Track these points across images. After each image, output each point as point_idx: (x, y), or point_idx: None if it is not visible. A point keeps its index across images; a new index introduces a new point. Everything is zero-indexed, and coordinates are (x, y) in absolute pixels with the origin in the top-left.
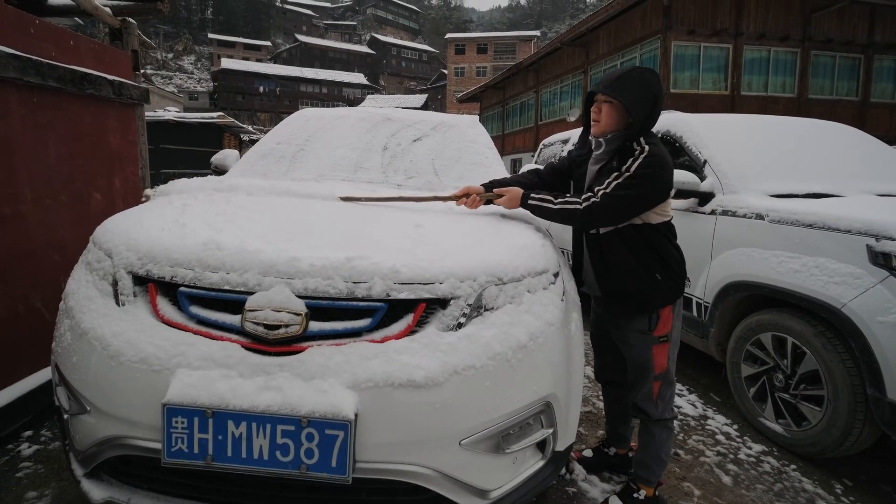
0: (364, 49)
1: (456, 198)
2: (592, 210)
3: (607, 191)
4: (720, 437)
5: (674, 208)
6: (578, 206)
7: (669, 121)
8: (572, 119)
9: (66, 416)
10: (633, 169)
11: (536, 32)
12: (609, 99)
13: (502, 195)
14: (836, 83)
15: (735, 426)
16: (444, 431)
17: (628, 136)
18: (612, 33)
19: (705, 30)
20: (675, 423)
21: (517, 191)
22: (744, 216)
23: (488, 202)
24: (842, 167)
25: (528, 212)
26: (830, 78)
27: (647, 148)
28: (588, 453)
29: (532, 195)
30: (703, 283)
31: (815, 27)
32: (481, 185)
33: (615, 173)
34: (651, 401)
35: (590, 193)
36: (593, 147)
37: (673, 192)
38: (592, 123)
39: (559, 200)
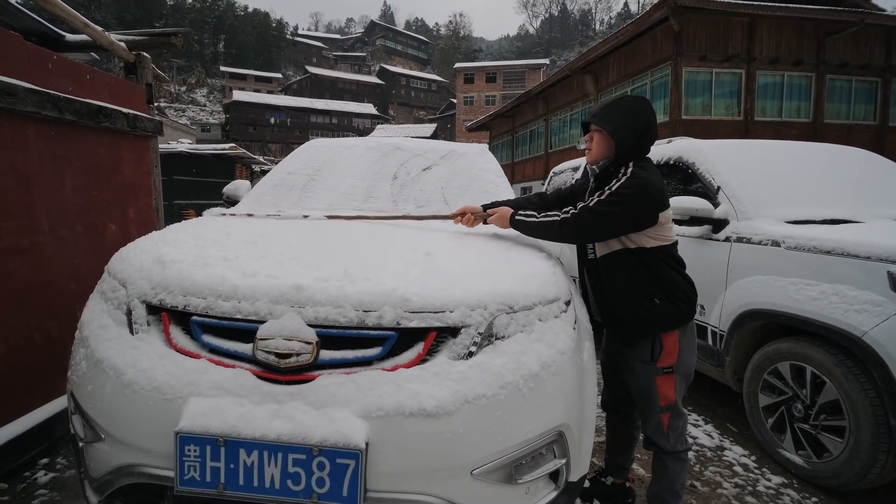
0: (373, 80)
1: (454, 216)
2: (569, 221)
3: (588, 205)
4: (738, 469)
5: (687, 235)
6: (556, 219)
7: (681, 147)
8: (582, 147)
9: (81, 444)
10: (614, 188)
11: (546, 61)
12: (598, 128)
13: (493, 214)
14: (852, 107)
15: (753, 457)
16: (456, 461)
17: (616, 161)
18: (623, 60)
19: (717, 55)
20: (691, 454)
21: (507, 210)
22: (759, 243)
23: (484, 222)
24: (859, 192)
25: (538, 240)
26: (847, 102)
27: (630, 170)
28: (585, 483)
29: (519, 212)
30: (717, 312)
31: (829, 51)
32: (482, 205)
33: (597, 192)
34: (662, 433)
35: (570, 208)
36: (590, 175)
37: (669, 217)
38: (586, 152)
39: (542, 215)
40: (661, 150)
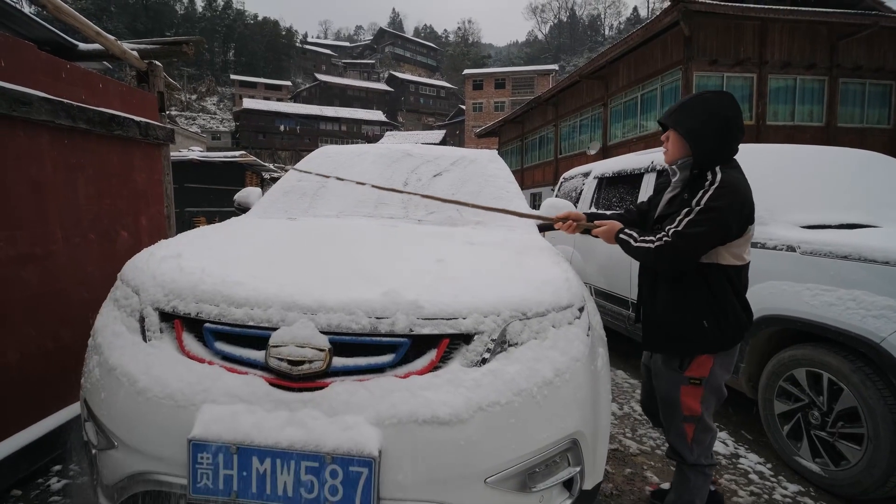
0: (382, 87)
1: (555, 220)
2: (664, 251)
3: (678, 229)
4: (753, 477)
5: None
6: (650, 246)
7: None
8: (592, 152)
9: (94, 452)
10: (703, 202)
11: (554, 66)
12: (672, 128)
13: (600, 226)
14: (866, 111)
15: (769, 465)
16: (469, 469)
17: (697, 164)
18: (633, 65)
19: (728, 59)
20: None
21: (615, 224)
22: (774, 248)
23: (585, 231)
24: (875, 196)
25: (550, 245)
26: (860, 105)
27: (718, 177)
28: (665, 485)
29: (624, 229)
30: None
31: (842, 54)
32: (583, 213)
33: (686, 208)
34: (685, 444)
35: (662, 233)
36: (671, 174)
37: (752, 233)
38: (663, 152)
39: (640, 239)
40: None
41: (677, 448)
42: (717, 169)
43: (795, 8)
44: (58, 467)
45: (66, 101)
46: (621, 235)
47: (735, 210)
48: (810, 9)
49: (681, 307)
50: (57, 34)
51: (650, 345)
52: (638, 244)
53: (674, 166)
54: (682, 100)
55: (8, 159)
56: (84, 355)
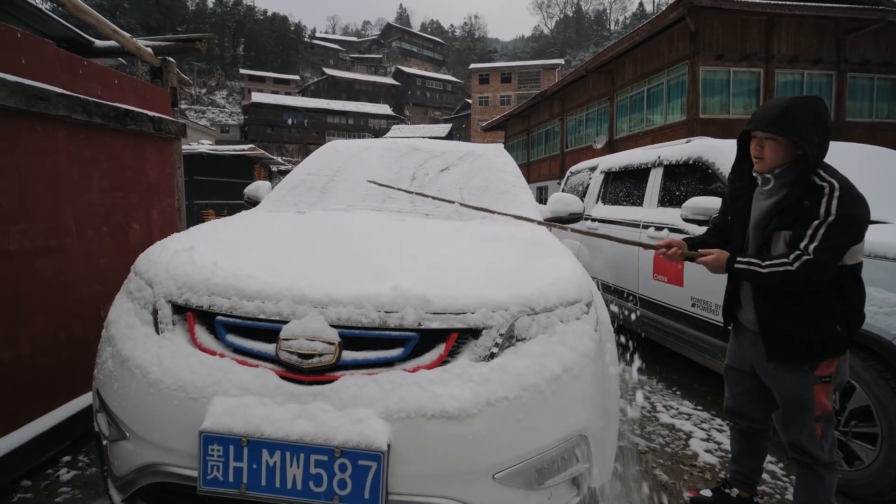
0: (389, 81)
1: (657, 247)
2: (809, 268)
3: (818, 244)
4: (765, 476)
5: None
6: (790, 268)
7: (700, 147)
8: (599, 146)
9: (105, 443)
10: (833, 211)
11: (560, 61)
12: (773, 136)
13: (706, 255)
14: (875, 105)
15: (780, 465)
16: (478, 464)
17: (804, 170)
18: (639, 60)
19: (734, 54)
20: (715, 459)
21: (723, 254)
22: None
23: (689, 259)
24: (886, 192)
25: (558, 240)
26: (869, 100)
27: (836, 184)
28: (706, 493)
29: (739, 259)
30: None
31: (850, 49)
32: (682, 239)
33: (815, 220)
34: (816, 443)
35: (798, 251)
36: (760, 183)
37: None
38: (754, 160)
39: (766, 264)
40: (679, 150)
41: (808, 449)
42: (826, 174)
43: (801, 3)
44: (67, 458)
45: (82, 96)
46: (740, 266)
47: (864, 212)
48: (816, 4)
49: (814, 318)
50: (74, 31)
51: (781, 359)
52: (770, 270)
53: (768, 174)
54: (779, 106)
55: (25, 153)
56: (96, 347)
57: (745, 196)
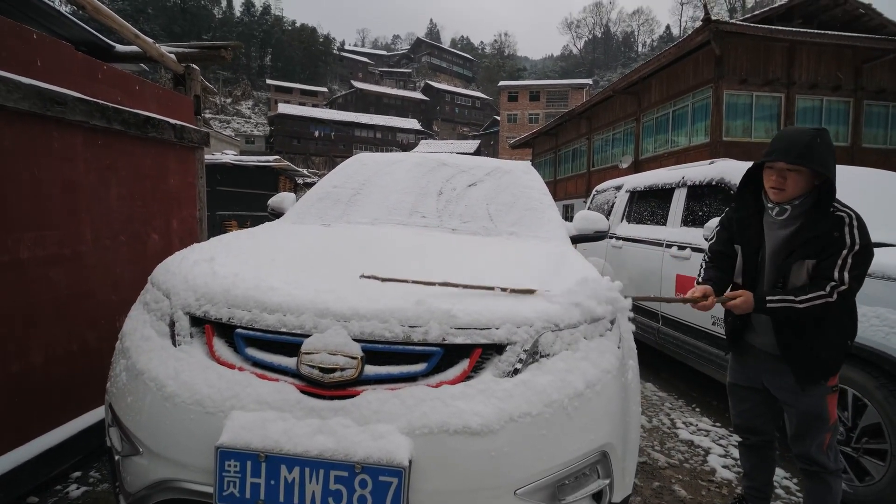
0: (418, 95)
1: (694, 300)
2: (846, 296)
3: (849, 273)
4: (780, 492)
5: None
6: (830, 300)
7: (723, 169)
8: (625, 166)
9: (117, 458)
10: (857, 240)
11: (589, 80)
12: (797, 168)
13: (735, 297)
14: (889, 132)
15: (794, 480)
16: (500, 480)
17: (822, 200)
18: (665, 82)
19: (757, 79)
20: (732, 474)
21: (749, 295)
22: None
23: (722, 303)
24: None
25: (582, 257)
26: (884, 127)
27: (852, 214)
28: None
29: (769, 298)
30: None
31: (867, 77)
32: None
33: (844, 251)
34: (823, 452)
35: (833, 282)
36: (774, 213)
37: None
38: (772, 191)
39: (801, 298)
40: (703, 171)
41: (818, 459)
42: (839, 204)
43: (822, 31)
44: (77, 474)
45: (101, 101)
46: (774, 305)
47: (871, 240)
48: (836, 32)
49: (832, 338)
50: (94, 35)
51: (808, 380)
52: (808, 304)
53: (787, 205)
54: (803, 138)
55: (40, 159)
56: (110, 359)
57: (753, 226)
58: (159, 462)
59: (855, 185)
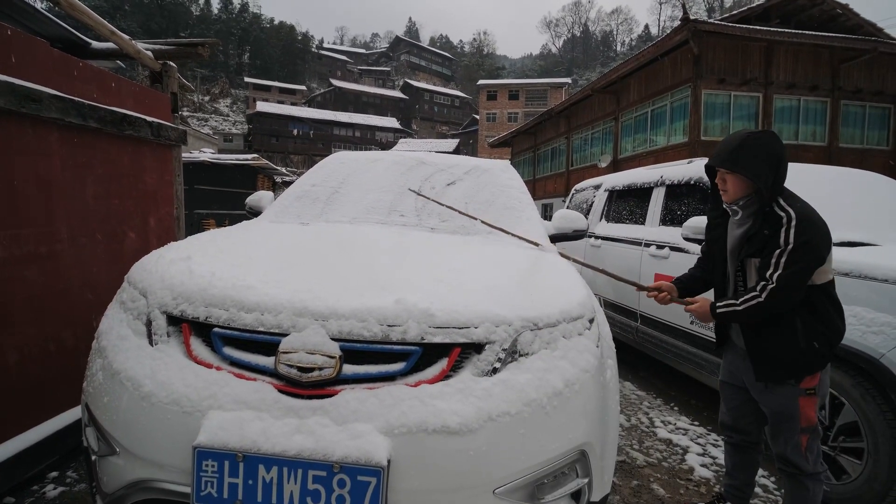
0: (397, 94)
1: (648, 289)
2: (775, 295)
3: (780, 272)
4: (758, 490)
5: (695, 253)
6: (760, 300)
7: (700, 168)
8: (603, 165)
9: (94, 458)
10: (791, 240)
11: (567, 80)
12: (729, 171)
13: (693, 302)
14: (866, 132)
15: (772, 479)
16: (478, 479)
17: (763, 200)
18: (643, 81)
19: (735, 79)
20: (710, 473)
21: (706, 301)
22: None
23: (677, 302)
24: (875, 215)
25: (560, 257)
26: (861, 127)
27: (792, 213)
28: None
29: (717, 304)
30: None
31: (844, 77)
32: (671, 281)
33: (777, 249)
34: (801, 454)
35: (763, 281)
36: (731, 214)
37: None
38: (721, 193)
39: (741, 300)
40: (681, 171)
41: (793, 460)
42: (785, 204)
43: (799, 31)
44: (54, 474)
45: (77, 98)
46: (720, 311)
47: (822, 237)
48: (813, 32)
49: (791, 338)
50: (69, 31)
51: (768, 378)
52: (744, 307)
53: (735, 206)
54: (733, 143)
55: (14, 156)
56: (87, 358)
57: (721, 226)
58: (136, 462)
59: (832, 185)
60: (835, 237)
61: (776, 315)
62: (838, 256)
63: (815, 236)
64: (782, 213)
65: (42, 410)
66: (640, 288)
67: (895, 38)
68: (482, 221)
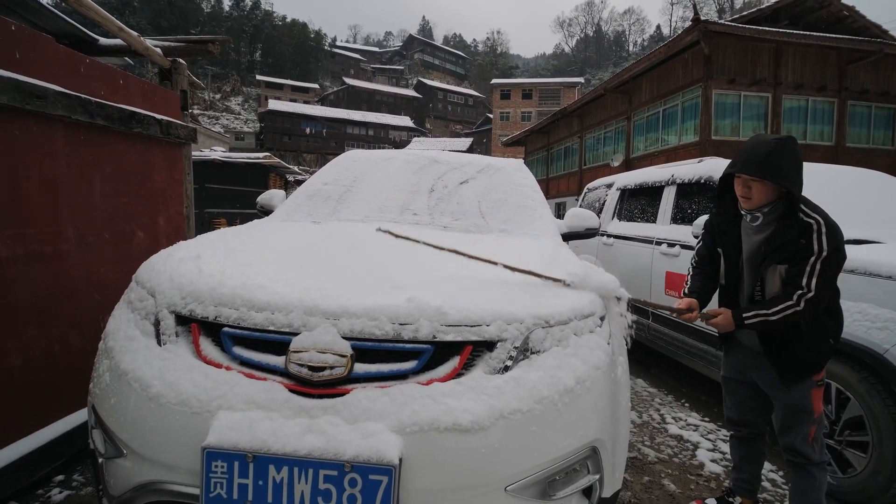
0: (410, 93)
1: (679, 311)
2: (814, 303)
3: (816, 280)
4: (766, 485)
5: None
6: (798, 308)
7: (712, 167)
8: (616, 164)
9: (100, 460)
10: (825, 247)
11: (580, 79)
12: (760, 179)
13: (716, 315)
14: (871, 132)
15: (780, 473)
16: (490, 477)
17: (790, 207)
18: (655, 81)
19: (745, 79)
20: (720, 469)
21: (728, 313)
22: None
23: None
24: (880, 214)
25: (573, 254)
26: (867, 127)
27: (820, 220)
28: (711, 502)
29: (745, 315)
30: None
31: (850, 78)
32: (687, 294)
33: (812, 258)
34: (808, 444)
35: (800, 290)
36: (748, 219)
37: None
38: (741, 199)
39: (773, 310)
40: (691, 170)
41: (802, 451)
42: (808, 209)
43: (807, 33)
44: (60, 477)
45: (83, 96)
46: (750, 321)
47: (843, 242)
48: (821, 34)
49: (814, 340)
50: (76, 27)
51: (795, 379)
52: (779, 316)
53: (757, 212)
54: (762, 150)
55: (19, 154)
56: (93, 360)
57: (733, 231)
58: (144, 464)
59: (838, 184)
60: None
61: (794, 323)
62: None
63: (840, 242)
64: (810, 220)
65: (47, 413)
66: (673, 311)
67: None
68: (504, 266)
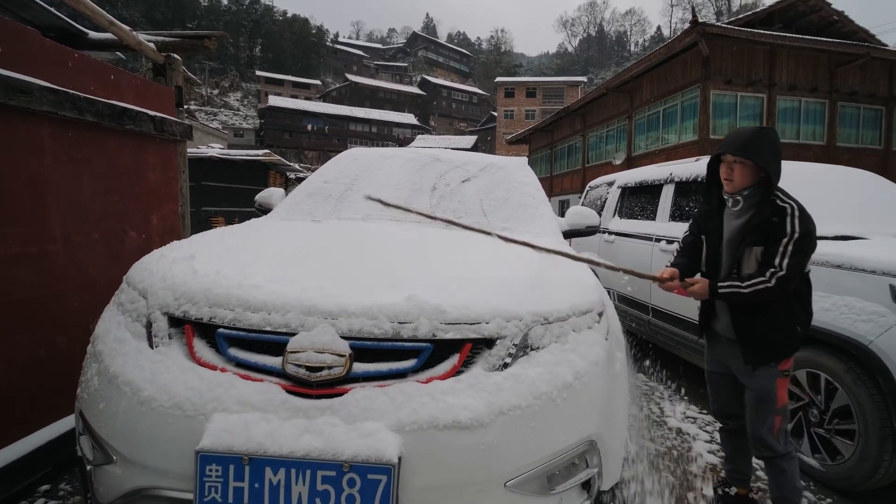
0: (414, 90)
1: (661, 280)
2: (784, 281)
3: (788, 260)
4: (760, 473)
5: None
6: (769, 285)
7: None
8: (618, 162)
9: (88, 468)
10: (797, 229)
11: (583, 78)
12: (742, 160)
13: (693, 284)
14: (860, 132)
15: None
16: (490, 473)
17: (767, 191)
18: (655, 81)
19: (741, 80)
20: (715, 459)
21: (705, 282)
22: None
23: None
24: (866, 211)
25: (572, 251)
26: (856, 127)
27: (794, 205)
28: (708, 492)
29: (720, 284)
30: None
31: (840, 80)
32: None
33: (784, 239)
34: (773, 436)
35: (772, 269)
36: (730, 204)
37: None
38: (724, 182)
39: (746, 284)
40: (689, 168)
41: (768, 442)
42: (783, 196)
43: (800, 36)
44: (46, 487)
45: (71, 91)
46: (723, 290)
47: (815, 229)
48: (812, 37)
49: (780, 322)
50: (64, 20)
51: (756, 360)
52: (751, 290)
53: (738, 196)
54: (746, 133)
55: (2, 151)
56: (81, 364)
57: (716, 218)
58: (135, 470)
59: (827, 182)
60: (829, 231)
61: (768, 302)
62: (833, 250)
63: (812, 227)
64: (785, 204)
65: (33, 420)
66: (655, 280)
67: (886, 44)
68: (498, 236)
